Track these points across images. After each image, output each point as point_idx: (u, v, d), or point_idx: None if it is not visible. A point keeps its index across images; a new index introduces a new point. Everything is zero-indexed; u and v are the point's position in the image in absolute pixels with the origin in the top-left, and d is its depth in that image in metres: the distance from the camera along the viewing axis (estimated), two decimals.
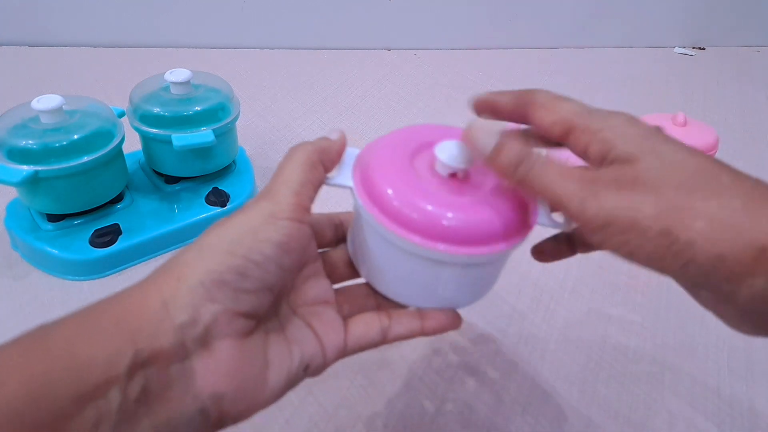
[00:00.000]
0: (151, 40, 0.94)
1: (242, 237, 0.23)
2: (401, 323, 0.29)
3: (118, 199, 0.52)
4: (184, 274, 0.22)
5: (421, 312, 0.30)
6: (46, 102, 0.45)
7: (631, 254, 0.22)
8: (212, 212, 0.53)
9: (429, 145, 0.30)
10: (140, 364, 0.21)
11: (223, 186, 0.55)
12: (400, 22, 0.98)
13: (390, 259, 0.29)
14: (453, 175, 0.29)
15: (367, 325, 0.28)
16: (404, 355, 0.42)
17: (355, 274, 0.31)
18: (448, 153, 0.28)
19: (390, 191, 0.27)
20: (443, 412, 0.38)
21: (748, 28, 1.07)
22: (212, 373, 0.22)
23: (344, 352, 0.28)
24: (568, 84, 0.89)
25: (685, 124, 0.57)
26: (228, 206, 0.54)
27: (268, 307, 0.24)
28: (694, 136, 0.56)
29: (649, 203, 0.21)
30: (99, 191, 0.49)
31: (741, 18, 1.06)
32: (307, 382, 0.40)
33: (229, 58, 0.92)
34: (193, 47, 0.95)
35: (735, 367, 0.43)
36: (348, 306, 0.30)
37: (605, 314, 0.47)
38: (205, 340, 0.22)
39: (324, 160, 0.28)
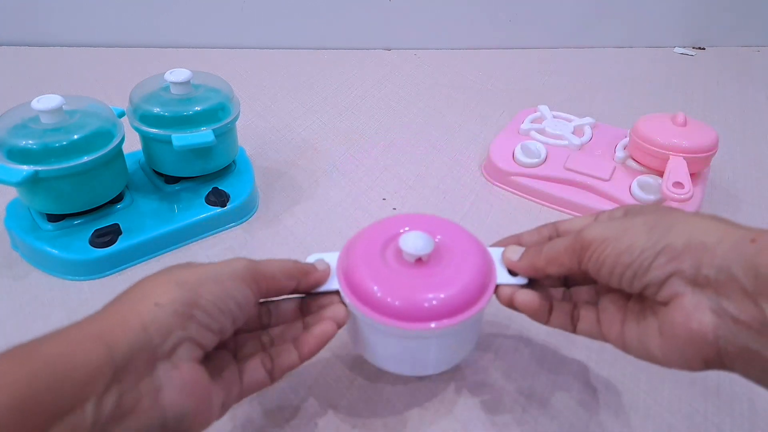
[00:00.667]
0: (151, 40, 0.94)
1: (211, 284, 0.29)
2: (281, 359, 0.33)
3: (118, 199, 0.52)
4: (161, 301, 0.26)
5: (294, 342, 0.34)
6: (46, 102, 0.45)
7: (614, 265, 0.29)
8: (212, 212, 0.53)
9: (394, 238, 0.36)
10: (116, 378, 0.24)
11: (223, 186, 0.55)
12: (400, 22, 0.98)
13: (380, 341, 0.35)
14: (418, 260, 0.35)
15: (256, 371, 0.32)
16: None
17: (261, 326, 0.36)
18: (411, 244, 0.34)
19: (370, 288, 0.33)
20: (443, 412, 0.38)
21: (748, 28, 1.07)
22: (176, 390, 0.26)
23: (240, 397, 0.32)
24: (568, 84, 0.89)
25: (685, 124, 0.57)
26: (228, 206, 0.54)
27: (212, 347, 0.29)
28: (694, 136, 0.56)
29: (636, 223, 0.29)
30: (99, 191, 0.49)
31: (741, 18, 1.06)
32: (307, 382, 0.40)
33: (229, 58, 0.92)
34: (193, 47, 0.95)
35: None
36: (241, 348, 0.34)
37: None
38: (170, 358, 0.26)
39: (300, 278, 0.34)
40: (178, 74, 0.51)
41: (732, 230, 0.26)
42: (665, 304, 0.27)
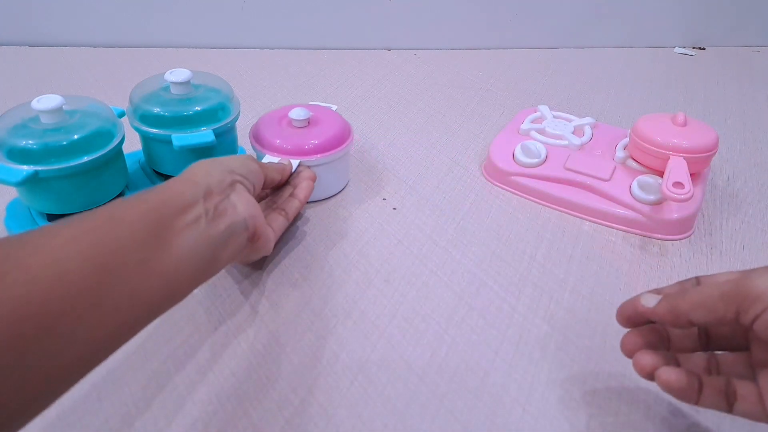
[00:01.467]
0: (151, 40, 0.94)
1: (238, 164, 0.43)
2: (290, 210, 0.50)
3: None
4: (210, 170, 0.40)
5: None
6: (46, 102, 0.45)
7: None
8: None
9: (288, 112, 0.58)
10: (207, 196, 0.37)
11: None
12: (400, 22, 0.98)
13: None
14: (302, 127, 0.57)
15: (277, 221, 0.48)
16: (404, 354, 0.42)
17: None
18: (296, 115, 0.56)
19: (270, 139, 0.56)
20: (443, 412, 0.38)
21: (748, 28, 1.07)
22: (243, 204, 0.40)
23: (276, 236, 0.47)
24: (568, 84, 0.89)
25: (685, 124, 0.57)
26: None
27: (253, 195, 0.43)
28: (694, 136, 0.56)
29: None
30: (99, 191, 0.49)
31: (741, 18, 1.06)
32: (307, 382, 0.40)
33: (229, 58, 0.92)
34: (193, 47, 0.95)
35: None
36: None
37: (605, 314, 0.47)
38: (234, 189, 0.40)
39: (283, 175, 0.52)
40: (178, 74, 0.52)
41: None
42: None
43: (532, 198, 0.60)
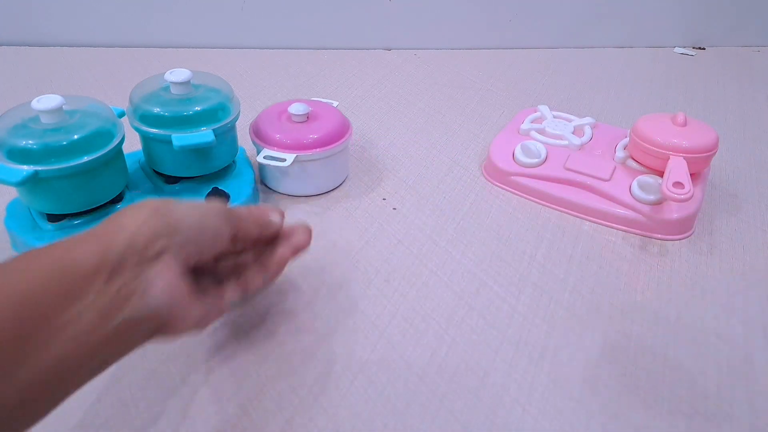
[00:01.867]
0: (151, 40, 0.94)
1: (193, 215, 0.34)
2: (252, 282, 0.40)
3: (118, 199, 0.52)
4: (147, 221, 0.32)
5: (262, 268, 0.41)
6: (46, 102, 0.45)
7: None
8: None
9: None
10: (113, 273, 0.29)
11: (223, 186, 0.55)
12: (400, 22, 0.98)
13: (284, 170, 0.57)
14: (302, 122, 0.58)
15: (233, 292, 0.39)
16: (404, 354, 0.42)
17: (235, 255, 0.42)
18: (295, 110, 0.57)
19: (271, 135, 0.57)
20: (443, 412, 0.38)
21: (748, 28, 1.07)
22: (159, 289, 0.30)
23: (222, 313, 0.38)
24: (568, 84, 0.89)
25: (685, 124, 0.57)
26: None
27: (193, 264, 0.34)
28: (694, 136, 0.56)
29: None
30: (99, 191, 0.49)
31: (741, 18, 1.06)
32: (307, 382, 0.40)
33: (229, 58, 0.92)
34: (193, 47, 0.95)
35: (735, 367, 0.43)
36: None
37: (605, 314, 0.47)
38: (156, 263, 0.31)
39: (263, 225, 0.41)
40: (178, 74, 0.51)
41: None
42: None
43: (532, 198, 0.60)
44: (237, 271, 0.40)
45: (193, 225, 0.33)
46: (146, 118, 0.51)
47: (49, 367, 0.26)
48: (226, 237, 0.36)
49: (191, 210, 0.34)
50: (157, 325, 0.31)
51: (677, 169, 0.53)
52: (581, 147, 0.63)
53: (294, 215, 0.57)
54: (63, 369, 0.27)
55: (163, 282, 0.31)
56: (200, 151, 0.52)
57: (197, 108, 0.51)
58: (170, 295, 0.31)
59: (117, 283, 0.29)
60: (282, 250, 0.41)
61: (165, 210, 0.33)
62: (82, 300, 0.27)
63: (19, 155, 0.45)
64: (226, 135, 0.54)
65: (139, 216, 0.32)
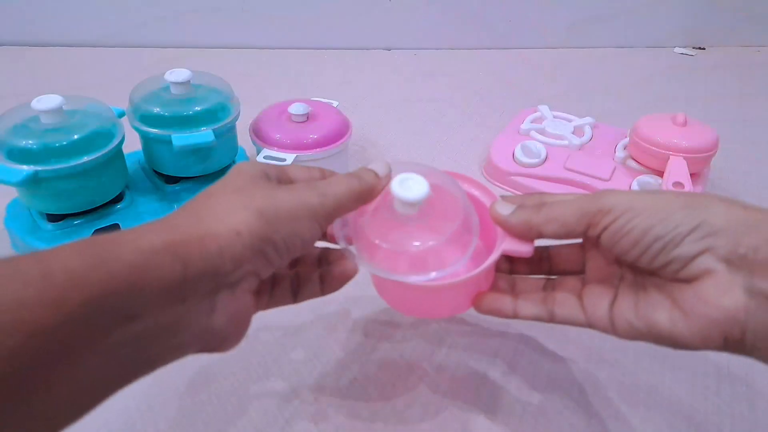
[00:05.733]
0: (151, 40, 0.94)
1: (288, 220, 0.28)
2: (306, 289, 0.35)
3: (118, 199, 0.52)
4: (242, 232, 0.26)
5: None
6: (46, 102, 0.45)
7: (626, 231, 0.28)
8: None
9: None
10: (181, 298, 0.24)
11: None
12: (400, 22, 0.98)
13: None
14: (302, 122, 0.49)
15: (286, 294, 0.35)
16: (404, 354, 0.42)
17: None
18: (295, 110, 0.53)
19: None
20: (443, 412, 0.38)
21: (748, 28, 1.07)
22: (227, 317, 0.26)
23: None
24: (568, 84, 0.89)
25: (685, 124, 0.56)
26: None
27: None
28: (694, 136, 0.56)
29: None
30: (99, 191, 0.49)
31: (741, 18, 1.06)
32: (307, 382, 0.40)
33: (229, 58, 0.92)
34: (193, 47, 0.95)
35: (735, 367, 0.43)
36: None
37: None
38: (232, 288, 0.26)
39: (367, 199, 0.32)
40: (178, 74, 0.51)
41: None
42: (688, 281, 0.27)
43: None
44: (295, 271, 0.35)
45: (287, 236, 0.28)
46: (146, 118, 0.51)
47: (70, 394, 0.22)
48: (317, 239, 0.31)
49: (288, 213, 0.28)
50: (211, 350, 0.28)
51: (677, 169, 0.53)
52: (581, 147, 0.63)
53: None
54: (85, 396, 0.23)
55: (235, 311, 0.27)
56: (200, 151, 0.52)
57: (197, 108, 0.51)
58: (238, 324, 0.28)
59: (178, 311, 0.24)
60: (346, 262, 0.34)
61: (269, 213, 0.27)
62: (131, 327, 0.23)
63: (19, 155, 0.45)
64: (226, 135, 0.54)
65: (234, 219, 0.26)
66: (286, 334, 0.43)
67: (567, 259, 0.35)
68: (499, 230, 0.33)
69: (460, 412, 0.38)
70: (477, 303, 0.34)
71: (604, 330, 0.31)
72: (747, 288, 0.25)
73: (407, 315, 0.37)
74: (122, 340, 0.23)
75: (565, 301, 0.32)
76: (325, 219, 0.30)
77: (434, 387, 0.40)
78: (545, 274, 0.36)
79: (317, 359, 0.42)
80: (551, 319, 0.33)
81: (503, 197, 0.35)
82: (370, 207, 0.33)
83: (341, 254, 0.34)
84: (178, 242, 0.24)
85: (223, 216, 0.26)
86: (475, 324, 0.45)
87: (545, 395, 0.40)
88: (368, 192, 0.32)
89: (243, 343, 0.42)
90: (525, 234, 0.32)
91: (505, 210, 0.32)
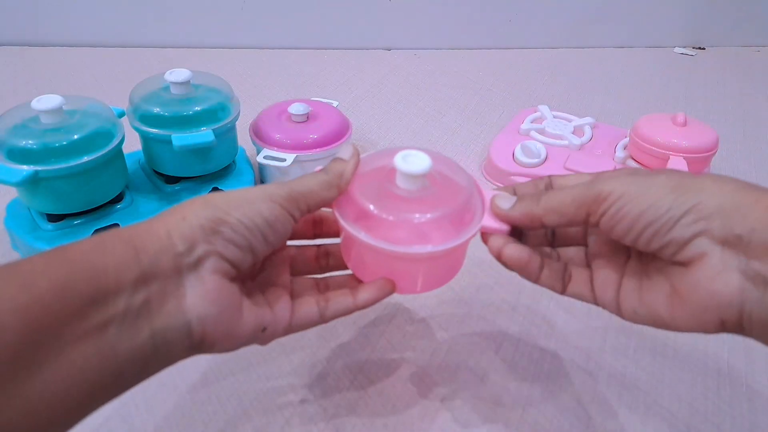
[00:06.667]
0: (151, 40, 0.94)
1: (241, 204, 0.29)
2: (337, 303, 0.33)
3: (118, 199, 0.52)
4: (188, 216, 0.28)
5: (352, 290, 0.34)
6: (46, 102, 0.45)
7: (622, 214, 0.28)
8: None
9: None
10: (143, 279, 0.25)
11: (223, 186, 0.55)
12: (400, 22, 0.98)
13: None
14: (302, 122, 0.49)
15: (309, 307, 0.33)
16: (404, 355, 0.42)
17: (320, 269, 0.37)
18: (295, 110, 0.52)
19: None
20: (443, 412, 0.38)
21: (748, 28, 1.07)
22: (199, 296, 0.27)
23: (290, 330, 0.32)
24: (568, 84, 0.89)
25: (685, 124, 0.57)
26: None
27: (247, 267, 0.29)
28: (694, 136, 0.56)
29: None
30: (99, 191, 0.49)
31: (741, 18, 1.06)
32: (307, 382, 0.40)
33: (229, 58, 0.92)
34: (193, 47, 0.95)
35: (735, 367, 0.43)
36: (297, 289, 0.35)
37: (605, 314, 0.47)
38: (196, 269, 0.27)
39: (340, 184, 0.33)
40: (178, 74, 0.51)
41: (767, 193, 0.26)
42: (685, 264, 0.27)
43: None
44: (318, 287, 0.35)
45: (242, 216, 0.28)
46: (146, 118, 0.51)
47: (65, 378, 0.23)
48: (286, 221, 0.30)
49: (239, 197, 0.29)
50: (200, 338, 0.27)
51: (677, 169, 0.53)
52: (581, 147, 0.63)
53: None
54: (82, 382, 0.24)
55: (202, 292, 0.27)
56: (200, 151, 0.52)
57: (197, 108, 0.51)
58: (214, 304, 0.27)
59: (150, 289, 0.25)
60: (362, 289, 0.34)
61: (217, 200, 0.29)
62: (104, 309, 0.24)
63: (19, 155, 0.45)
64: (226, 135, 0.54)
65: (182, 210, 0.28)
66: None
67: (575, 236, 0.35)
68: (482, 207, 0.33)
69: (461, 412, 0.38)
70: (512, 253, 0.32)
71: (611, 311, 0.32)
72: (743, 270, 0.25)
73: (367, 281, 0.34)
74: (99, 323, 0.24)
75: (578, 278, 0.33)
76: (287, 201, 0.30)
77: (434, 387, 0.40)
78: (549, 246, 0.36)
79: (317, 359, 0.42)
80: (563, 292, 0.33)
81: (501, 187, 0.35)
82: (374, 186, 0.33)
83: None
84: (130, 233, 0.27)
85: (173, 211, 0.28)
86: (476, 324, 0.45)
87: (545, 395, 0.40)
88: (337, 175, 0.33)
89: None
90: (528, 226, 0.32)
91: (505, 204, 0.32)
